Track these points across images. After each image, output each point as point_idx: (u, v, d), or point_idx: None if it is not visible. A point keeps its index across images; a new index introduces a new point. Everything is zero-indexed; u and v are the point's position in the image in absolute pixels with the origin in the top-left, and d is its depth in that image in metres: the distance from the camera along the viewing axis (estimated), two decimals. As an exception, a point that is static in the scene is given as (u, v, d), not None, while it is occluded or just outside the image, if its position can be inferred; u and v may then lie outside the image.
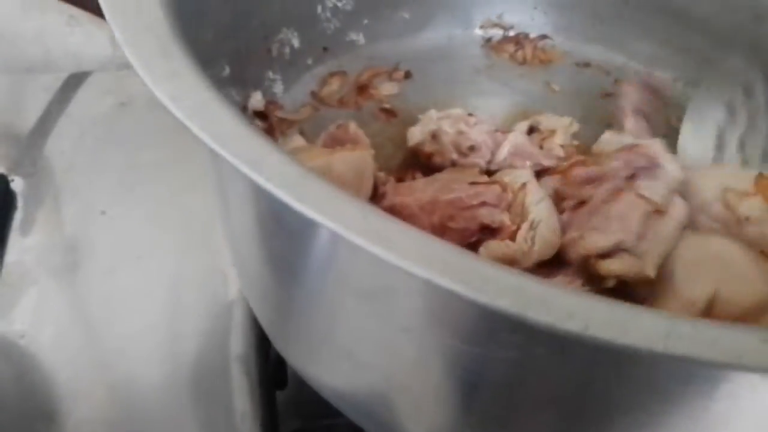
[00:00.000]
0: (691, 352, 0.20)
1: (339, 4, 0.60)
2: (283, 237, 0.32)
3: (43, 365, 0.51)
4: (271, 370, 0.52)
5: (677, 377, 0.25)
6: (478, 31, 0.65)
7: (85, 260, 0.56)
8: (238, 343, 0.52)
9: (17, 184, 0.61)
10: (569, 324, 0.20)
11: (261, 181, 0.23)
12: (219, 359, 0.51)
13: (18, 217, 0.59)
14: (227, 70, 0.49)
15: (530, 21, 0.64)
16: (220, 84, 0.48)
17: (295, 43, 0.58)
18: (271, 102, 0.57)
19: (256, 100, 0.53)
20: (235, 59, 0.49)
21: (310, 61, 0.60)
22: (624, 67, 0.62)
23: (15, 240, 0.57)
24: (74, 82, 0.71)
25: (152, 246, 0.57)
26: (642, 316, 0.21)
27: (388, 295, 0.28)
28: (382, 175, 0.47)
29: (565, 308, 0.20)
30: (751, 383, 0.26)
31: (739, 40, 0.56)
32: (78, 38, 0.76)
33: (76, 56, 0.77)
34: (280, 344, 0.44)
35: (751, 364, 0.21)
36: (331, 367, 0.39)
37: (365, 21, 0.63)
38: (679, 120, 0.57)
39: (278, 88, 0.57)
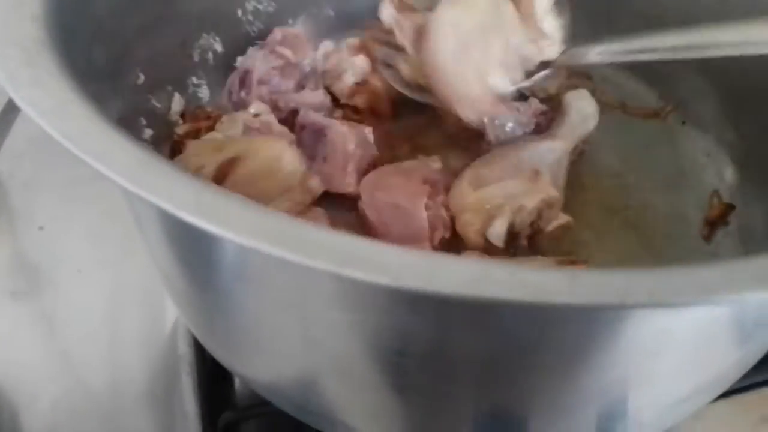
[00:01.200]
0: (501, 295, 0.21)
1: (260, 6, 0.61)
2: (170, 234, 0.33)
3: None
4: (210, 367, 0.53)
5: (533, 326, 0.26)
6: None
7: (24, 277, 0.57)
8: (181, 344, 0.53)
9: (-42, 207, 0.62)
10: (383, 278, 0.21)
11: (103, 169, 0.24)
12: (162, 362, 0.52)
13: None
14: (141, 78, 0.50)
15: None
16: (135, 91, 0.50)
17: (218, 47, 0.59)
18: (198, 107, 0.58)
19: (176, 104, 0.54)
20: (149, 67, 0.50)
21: (237, 64, 0.61)
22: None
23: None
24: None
25: (92, 259, 0.58)
26: (451, 264, 0.22)
27: (261, 273, 0.29)
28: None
29: (376, 263, 0.21)
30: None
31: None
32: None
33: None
34: (209, 345, 0.45)
35: (560, 301, 0.22)
36: (247, 359, 0.40)
37: (289, 20, 0.63)
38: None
39: (204, 92, 0.58)
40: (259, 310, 0.32)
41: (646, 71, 0.61)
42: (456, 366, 0.31)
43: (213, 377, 0.52)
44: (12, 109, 0.71)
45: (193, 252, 0.31)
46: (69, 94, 0.28)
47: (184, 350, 0.52)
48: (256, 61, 0.57)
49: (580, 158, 0.56)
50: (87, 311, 0.55)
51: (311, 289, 0.28)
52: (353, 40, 0.60)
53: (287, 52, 0.57)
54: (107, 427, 0.50)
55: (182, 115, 0.56)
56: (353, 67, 0.57)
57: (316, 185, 0.46)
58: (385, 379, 0.33)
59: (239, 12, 0.60)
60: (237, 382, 0.53)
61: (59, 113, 0.27)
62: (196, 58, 0.57)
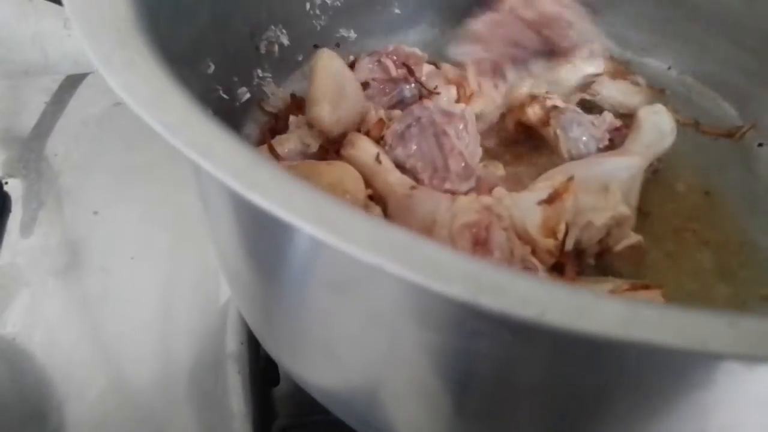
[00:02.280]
0: (654, 338, 0.19)
1: (328, 1, 0.60)
2: (255, 230, 0.31)
3: (35, 366, 0.51)
4: (264, 367, 0.51)
5: (651, 364, 0.24)
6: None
7: (79, 261, 0.56)
8: (231, 341, 0.52)
9: (12, 186, 0.61)
10: (524, 310, 0.19)
11: (210, 167, 0.22)
12: (212, 358, 0.51)
13: (12, 219, 0.59)
14: (212, 68, 0.48)
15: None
16: (206, 80, 0.49)
17: (284, 40, 0.58)
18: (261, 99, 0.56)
19: (242, 96, 0.53)
20: (220, 57, 0.49)
21: (300, 58, 0.60)
22: (619, 57, 0.62)
23: (8, 242, 0.57)
24: (70, 83, 0.71)
25: (146, 246, 0.57)
26: (601, 302, 0.20)
27: (354, 286, 0.27)
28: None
29: (521, 294, 0.19)
30: (726, 369, 0.25)
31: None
32: (75, 40, 0.77)
33: (73, 58, 0.78)
34: (266, 343, 0.44)
35: (718, 350, 0.20)
36: (312, 364, 0.38)
37: (356, 17, 0.62)
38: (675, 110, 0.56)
39: (268, 85, 0.57)
40: (341, 319, 0.31)
41: (723, 87, 0.59)
42: (541, 399, 0.29)
43: (263, 379, 0.51)
44: (65, 89, 0.71)
45: (278, 253, 0.30)
46: (164, 80, 0.27)
47: (235, 348, 0.51)
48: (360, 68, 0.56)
49: (654, 176, 0.54)
50: (139, 301, 0.54)
51: (409, 308, 0.26)
52: (449, 67, 0.58)
53: (390, 65, 0.55)
54: (153, 421, 0.48)
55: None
56: (448, 94, 0.56)
57: (378, 213, 0.45)
58: (462, 402, 0.31)
59: (307, 5, 0.59)
60: (284, 387, 0.52)
61: (156, 102, 0.25)
62: (263, 50, 0.56)
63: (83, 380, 0.50)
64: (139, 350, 0.51)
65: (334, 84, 0.50)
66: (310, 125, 0.49)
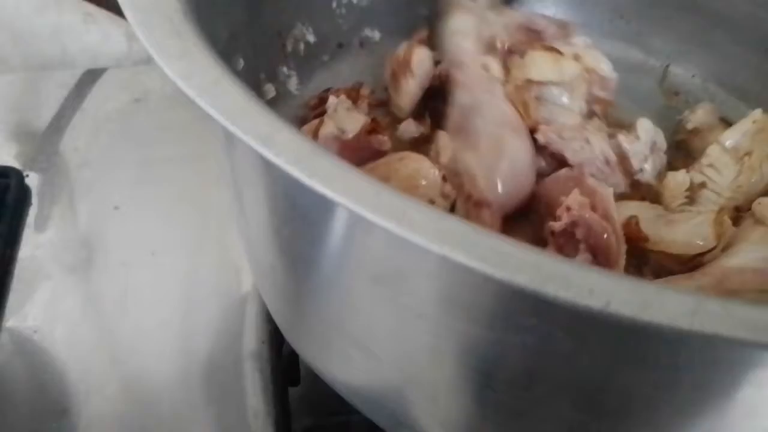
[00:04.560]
0: (721, 330, 0.19)
1: (354, 0, 0.60)
2: (296, 221, 0.31)
3: (55, 361, 0.50)
4: (284, 366, 0.51)
5: (702, 361, 0.24)
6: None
7: (99, 256, 0.56)
8: (251, 339, 0.51)
9: (32, 180, 0.61)
10: (590, 300, 0.19)
11: (271, 156, 0.22)
12: (231, 355, 0.51)
13: (32, 212, 0.59)
14: (241, 63, 0.48)
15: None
16: (235, 76, 0.48)
17: (310, 38, 0.58)
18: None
19: (268, 93, 0.53)
20: (249, 53, 0.49)
21: (325, 58, 0.59)
22: (643, 64, 0.62)
23: (29, 235, 0.57)
24: (90, 78, 0.71)
25: (166, 242, 0.57)
26: (667, 293, 0.20)
27: (401, 278, 0.27)
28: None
29: (586, 284, 0.19)
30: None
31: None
32: (94, 35, 0.77)
33: (92, 53, 0.77)
34: (293, 338, 0.44)
35: None
36: (344, 360, 0.38)
37: (381, 17, 0.62)
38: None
39: (293, 84, 0.57)
40: (382, 313, 0.30)
41: (748, 95, 0.59)
42: (587, 395, 0.29)
43: (283, 379, 0.51)
44: (84, 84, 0.71)
45: (320, 246, 0.30)
46: (217, 69, 0.26)
47: (256, 345, 0.51)
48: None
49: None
50: (159, 297, 0.54)
51: (457, 301, 0.26)
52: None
53: None
54: (173, 417, 0.48)
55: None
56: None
57: (450, 190, 0.45)
58: (503, 400, 0.31)
59: (334, 4, 0.59)
60: (302, 387, 0.52)
61: (213, 91, 0.25)
62: (289, 47, 0.56)
63: (103, 375, 0.50)
64: (159, 346, 0.51)
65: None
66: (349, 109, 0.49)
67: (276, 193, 0.31)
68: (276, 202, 0.31)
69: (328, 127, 0.46)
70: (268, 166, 0.29)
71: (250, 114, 0.24)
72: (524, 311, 0.23)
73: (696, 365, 0.24)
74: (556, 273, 0.20)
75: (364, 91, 0.56)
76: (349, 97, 0.53)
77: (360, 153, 0.48)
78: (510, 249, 0.20)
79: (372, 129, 0.49)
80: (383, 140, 0.49)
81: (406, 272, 0.26)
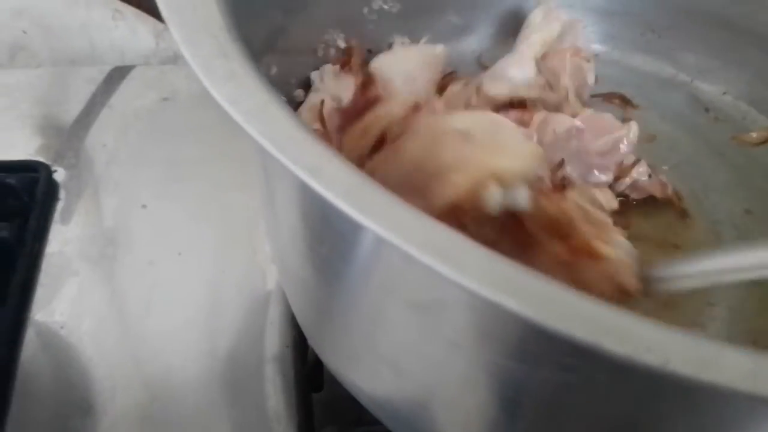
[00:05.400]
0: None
1: (385, 6, 0.60)
2: (332, 242, 0.31)
3: (81, 357, 0.51)
4: (308, 372, 0.51)
5: (753, 418, 0.24)
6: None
7: (126, 254, 0.56)
8: (274, 342, 0.52)
9: (59, 175, 0.61)
10: (648, 357, 0.19)
11: (320, 189, 0.22)
12: (256, 358, 0.51)
13: (59, 207, 0.59)
14: (274, 70, 0.49)
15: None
16: (268, 82, 0.49)
17: (341, 43, 0.58)
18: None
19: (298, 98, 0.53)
20: (283, 59, 0.49)
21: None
22: (672, 79, 0.61)
23: (56, 230, 0.57)
24: (117, 75, 0.72)
25: (193, 242, 0.57)
26: (725, 352, 0.20)
27: (439, 308, 0.27)
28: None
29: (644, 340, 0.19)
30: None
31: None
32: (122, 32, 0.77)
33: (119, 49, 0.78)
34: (318, 346, 0.44)
35: None
36: (371, 374, 0.38)
37: (410, 23, 0.62)
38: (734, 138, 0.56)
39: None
40: (416, 337, 0.31)
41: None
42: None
43: (309, 383, 0.52)
44: (112, 80, 0.71)
45: (359, 268, 0.30)
46: (265, 94, 0.27)
47: (279, 350, 0.51)
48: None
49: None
50: (185, 297, 0.54)
51: (497, 337, 0.26)
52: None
53: None
54: (197, 418, 0.49)
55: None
56: None
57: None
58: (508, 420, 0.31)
59: (365, 10, 0.59)
60: (325, 394, 0.53)
61: (262, 117, 0.25)
62: (320, 53, 0.56)
63: (128, 372, 0.50)
64: (184, 346, 0.52)
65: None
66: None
67: (315, 215, 0.31)
68: (314, 223, 0.32)
69: (326, 102, 0.45)
70: (308, 192, 0.29)
71: (299, 142, 0.24)
72: (568, 352, 0.23)
73: (743, 419, 0.24)
74: (613, 326, 0.20)
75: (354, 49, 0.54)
76: (342, 64, 0.51)
77: (365, 111, 0.45)
78: (565, 297, 0.20)
79: (365, 83, 0.47)
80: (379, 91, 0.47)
81: (447, 304, 0.26)
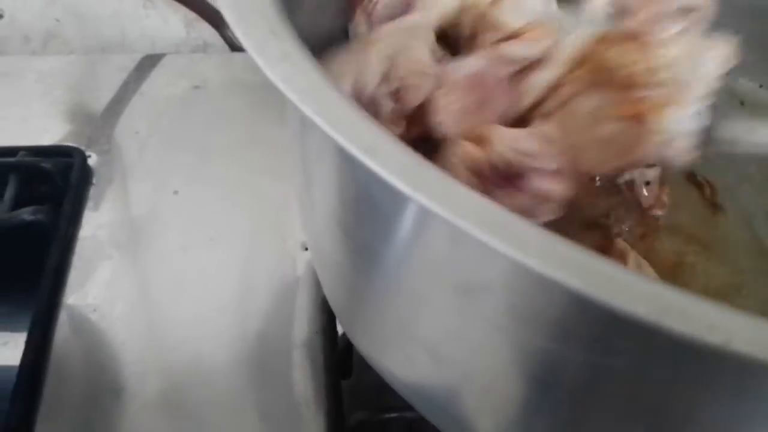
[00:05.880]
0: None
1: None
2: (375, 225, 0.31)
3: (113, 340, 0.51)
4: (337, 357, 0.52)
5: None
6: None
7: (158, 239, 0.57)
8: (303, 328, 0.52)
9: (92, 161, 0.62)
10: (710, 336, 0.19)
11: (377, 168, 0.23)
12: (284, 344, 0.52)
13: (92, 192, 0.60)
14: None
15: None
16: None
17: (372, 31, 0.58)
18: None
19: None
20: (318, 44, 0.49)
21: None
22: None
23: (89, 215, 0.58)
24: (148, 63, 0.72)
25: (224, 228, 0.58)
26: None
27: (488, 291, 0.27)
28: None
29: (706, 319, 0.19)
30: None
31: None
32: (153, 20, 0.78)
33: (150, 38, 0.78)
34: (351, 331, 0.44)
35: None
36: (407, 359, 0.38)
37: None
38: None
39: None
40: (460, 322, 0.31)
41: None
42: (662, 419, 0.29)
43: (336, 371, 0.52)
44: (143, 68, 0.72)
45: (404, 250, 0.30)
46: (319, 74, 0.27)
47: (308, 335, 0.52)
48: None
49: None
50: (217, 282, 0.54)
51: (545, 318, 0.26)
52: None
53: None
54: (226, 402, 0.49)
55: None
56: None
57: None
58: (574, 417, 0.31)
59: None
60: (353, 380, 0.53)
61: (316, 96, 0.25)
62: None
63: (159, 356, 0.50)
64: (214, 331, 0.52)
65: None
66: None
67: (359, 196, 0.31)
68: (357, 205, 0.32)
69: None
70: (353, 171, 0.30)
71: (353, 122, 0.24)
72: (621, 333, 0.23)
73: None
74: (675, 305, 0.20)
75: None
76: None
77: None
78: (625, 277, 0.20)
79: None
80: None
81: (495, 286, 0.26)
